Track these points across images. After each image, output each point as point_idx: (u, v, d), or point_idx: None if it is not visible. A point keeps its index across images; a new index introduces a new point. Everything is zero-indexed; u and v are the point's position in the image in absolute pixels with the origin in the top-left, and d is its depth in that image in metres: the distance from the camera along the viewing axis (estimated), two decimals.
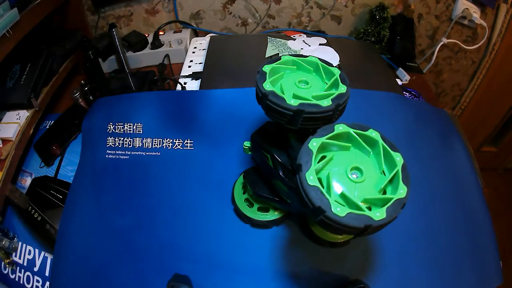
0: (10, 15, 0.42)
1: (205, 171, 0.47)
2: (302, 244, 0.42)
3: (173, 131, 0.50)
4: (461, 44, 0.79)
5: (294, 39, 0.64)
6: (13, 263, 0.47)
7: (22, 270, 0.46)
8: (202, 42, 0.69)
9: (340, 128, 0.25)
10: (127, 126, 0.51)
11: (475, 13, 0.75)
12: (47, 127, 0.58)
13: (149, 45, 0.69)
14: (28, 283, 0.45)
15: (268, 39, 0.63)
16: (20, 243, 0.48)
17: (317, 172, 0.22)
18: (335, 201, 0.21)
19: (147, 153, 0.49)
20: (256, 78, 0.29)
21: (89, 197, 0.47)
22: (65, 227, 0.45)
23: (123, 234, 0.43)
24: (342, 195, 0.21)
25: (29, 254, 0.47)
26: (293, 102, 0.26)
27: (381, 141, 0.24)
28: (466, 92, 0.96)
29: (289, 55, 0.32)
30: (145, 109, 0.52)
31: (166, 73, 0.65)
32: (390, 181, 0.23)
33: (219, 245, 0.41)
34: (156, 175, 0.47)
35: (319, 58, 0.31)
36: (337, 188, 0.22)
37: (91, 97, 0.59)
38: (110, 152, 0.50)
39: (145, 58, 0.68)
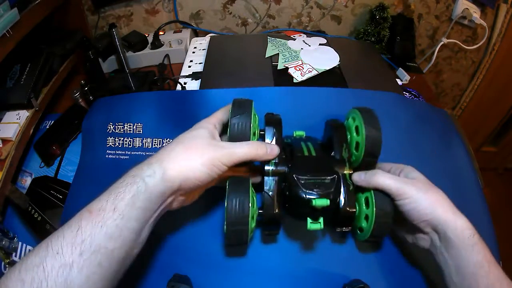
0: (10, 15, 0.42)
1: None
2: (302, 244, 0.42)
3: (173, 131, 0.50)
4: (461, 44, 0.79)
5: (294, 39, 0.64)
6: (13, 263, 0.47)
7: None
8: (202, 42, 0.69)
9: None
10: (127, 126, 0.51)
11: (475, 13, 0.75)
12: (47, 127, 0.58)
13: (149, 45, 0.69)
14: None
15: (268, 39, 0.63)
16: (20, 243, 0.48)
17: None
18: None
19: (147, 153, 0.49)
20: None
21: (89, 197, 0.47)
22: None
23: None
24: None
25: None
26: None
27: None
28: (466, 92, 0.96)
29: None
30: (145, 109, 0.52)
31: (166, 73, 0.65)
32: None
33: (219, 245, 0.41)
34: None
35: None
36: None
37: (91, 97, 0.59)
38: (110, 152, 0.50)
39: (145, 58, 0.68)
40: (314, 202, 0.32)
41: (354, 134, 0.40)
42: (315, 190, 0.32)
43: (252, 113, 0.38)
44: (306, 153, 0.37)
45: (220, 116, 0.36)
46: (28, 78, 0.52)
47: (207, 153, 0.30)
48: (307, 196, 0.32)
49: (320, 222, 0.33)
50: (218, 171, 0.31)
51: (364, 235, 0.36)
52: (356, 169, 0.38)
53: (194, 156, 0.30)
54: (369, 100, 0.51)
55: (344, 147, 0.38)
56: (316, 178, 0.33)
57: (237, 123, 0.35)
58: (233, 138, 0.35)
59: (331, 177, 0.34)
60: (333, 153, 0.39)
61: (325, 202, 0.32)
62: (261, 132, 0.40)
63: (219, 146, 0.32)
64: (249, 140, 0.36)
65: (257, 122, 0.40)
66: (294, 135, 0.44)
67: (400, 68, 0.69)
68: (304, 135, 0.44)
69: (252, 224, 0.35)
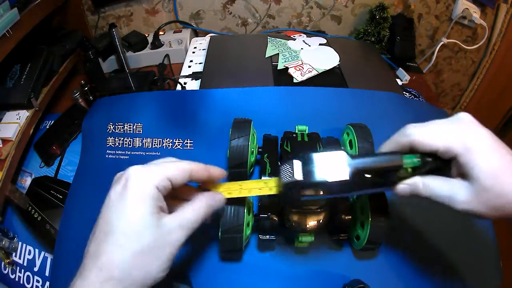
0: (10, 15, 0.42)
1: None
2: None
3: (173, 131, 0.50)
4: (461, 44, 0.79)
5: (294, 39, 0.64)
6: (13, 263, 0.47)
7: (22, 270, 0.46)
8: (202, 42, 0.69)
9: None
10: (127, 126, 0.51)
11: (475, 13, 0.75)
12: (47, 127, 0.58)
13: (149, 45, 0.69)
14: (28, 283, 0.45)
15: (268, 39, 0.63)
16: (20, 243, 0.48)
17: None
18: None
19: (147, 153, 0.49)
20: None
21: (89, 197, 0.47)
22: (65, 227, 0.45)
23: None
24: None
25: (29, 254, 0.47)
26: None
27: None
28: (466, 92, 0.96)
29: None
30: (145, 109, 0.52)
31: (166, 73, 0.65)
32: None
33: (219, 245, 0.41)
34: None
35: None
36: None
37: (91, 97, 0.59)
38: (110, 152, 0.50)
39: (145, 58, 0.68)
40: (300, 238, 0.34)
41: (348, 148, 0.41)
42: (303, 224, 0.34)
43: (251, 133, 0.40)
44: None
45: (170, 173, 0.27)
46: (28, 78, 0.52)
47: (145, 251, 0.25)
48: (294, 229, 0.34)
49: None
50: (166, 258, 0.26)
51: (360, 242, 0.36)
52: None
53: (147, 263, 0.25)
54: (369, 100, 0.51)
55: None
56: (306, 209, 0.34)
57: (236, 145, 0.39)
58: (233, 160, 0.39)
59: (322, 208, 0.35)
60: None
61: (309, 238, 0.34)
62: (259, 149, 0.43)
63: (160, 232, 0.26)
64: (247, 159, 0.38)
65: (255, 142, 0.43)
66: (296, 130, 0.45)
67: (400, 68, 0.69)
68: (307, 130, 0.45)
69: (248, 231, 0.36)
